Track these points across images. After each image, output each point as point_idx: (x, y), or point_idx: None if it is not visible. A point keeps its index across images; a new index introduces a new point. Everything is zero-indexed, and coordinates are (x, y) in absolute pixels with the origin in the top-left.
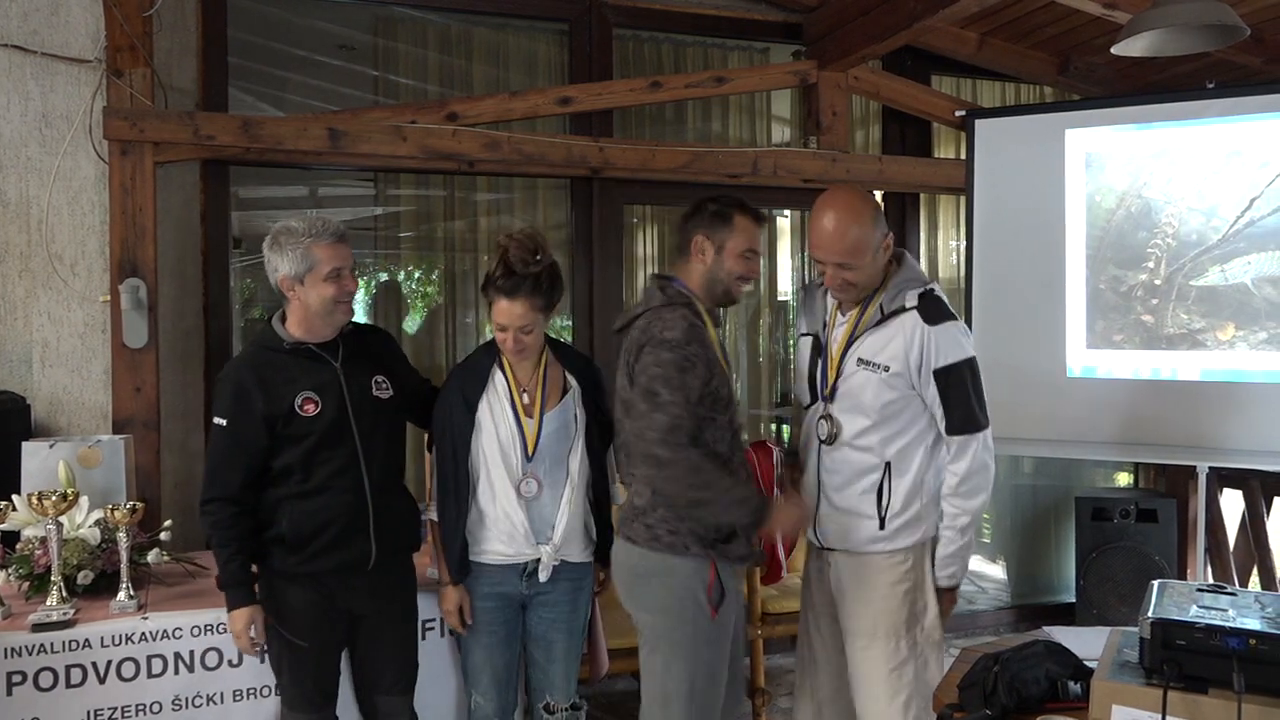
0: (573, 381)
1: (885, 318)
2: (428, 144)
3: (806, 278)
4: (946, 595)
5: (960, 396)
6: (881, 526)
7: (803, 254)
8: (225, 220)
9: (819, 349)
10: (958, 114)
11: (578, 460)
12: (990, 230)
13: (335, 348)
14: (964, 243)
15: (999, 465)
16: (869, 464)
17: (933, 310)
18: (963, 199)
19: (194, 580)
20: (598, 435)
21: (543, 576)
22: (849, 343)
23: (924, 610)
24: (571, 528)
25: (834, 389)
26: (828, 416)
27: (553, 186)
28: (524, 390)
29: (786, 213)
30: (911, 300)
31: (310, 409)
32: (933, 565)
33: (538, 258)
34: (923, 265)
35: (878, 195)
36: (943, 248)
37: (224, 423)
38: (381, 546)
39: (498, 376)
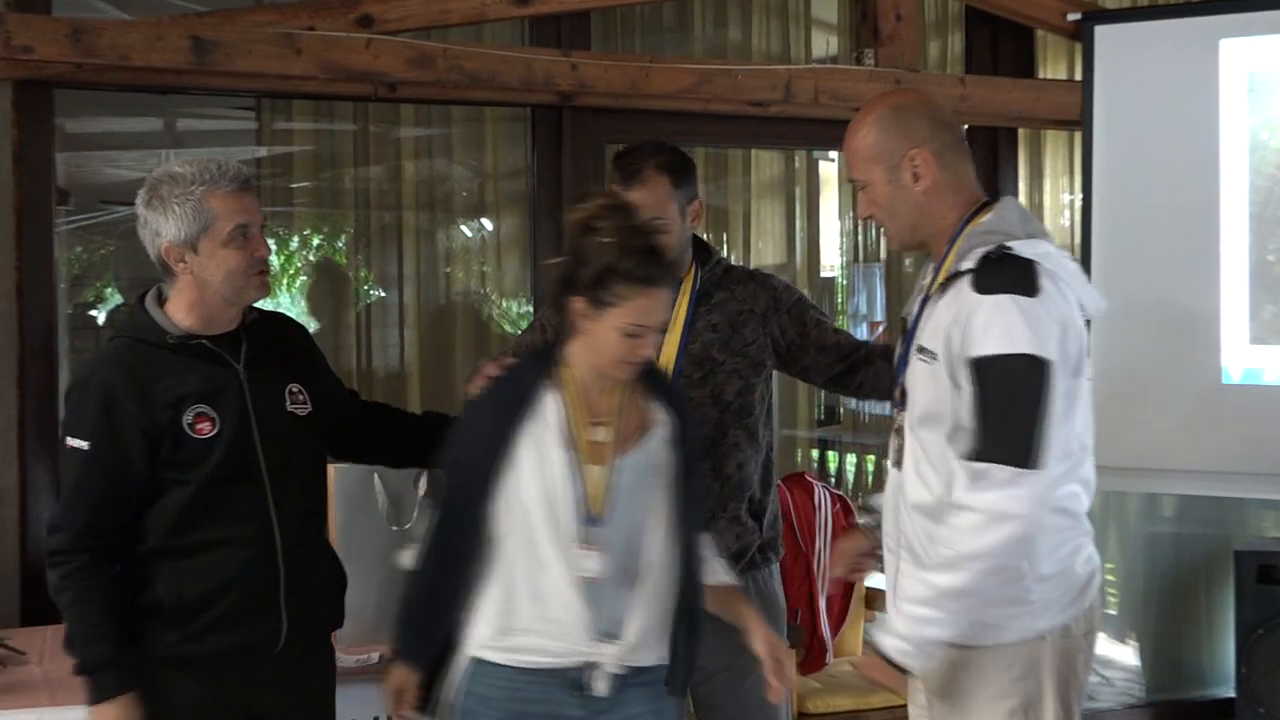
0: (661, 412)
1: (947, 283)
2: (331, 59)
3: (860, 245)
4: (872, 662)
5: (1001, 404)
6: None
7: (854, 214)
8: (48, 165)
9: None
10: (1070, 18)
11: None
12: (1115, 180)
13: (236, 343)
14: (1079, 197)
15: (1127, 508)
16: (926, 502)
17: (990, 276)
18: (1078, 136)
19: (5, 670)
20: (683, 489)
21: (600, 689)
22: (915, 323)
23: None
24: (649, 621)
25: (903, 390)
26: (898, 430)
27: (506, 118)
28: (597, 424)
29: (833, 155)
30: (971, 261)
31: (205, 428)
32: (1054, 671)
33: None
34: None
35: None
36: (1050, 204)
37: (84, 445)
38: (294, 621)
39: (549, 403)
